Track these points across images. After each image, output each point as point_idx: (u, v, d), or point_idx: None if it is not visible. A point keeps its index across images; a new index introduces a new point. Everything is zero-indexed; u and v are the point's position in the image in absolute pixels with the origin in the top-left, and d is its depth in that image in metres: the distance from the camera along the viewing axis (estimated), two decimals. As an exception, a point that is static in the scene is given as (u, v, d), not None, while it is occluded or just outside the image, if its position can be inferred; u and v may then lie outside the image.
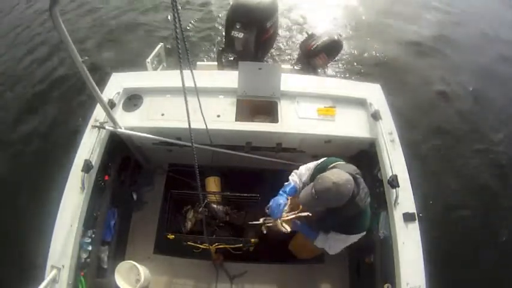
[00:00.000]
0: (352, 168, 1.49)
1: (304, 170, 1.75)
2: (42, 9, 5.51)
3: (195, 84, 1.50)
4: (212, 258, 2.26)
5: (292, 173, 1.81)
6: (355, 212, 1.47)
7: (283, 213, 1.64)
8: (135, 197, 2.60)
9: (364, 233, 1.59)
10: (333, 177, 1.35)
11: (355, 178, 1.42)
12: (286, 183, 1.78)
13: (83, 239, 1.88)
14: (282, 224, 1.63)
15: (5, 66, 4.73)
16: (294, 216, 1.65)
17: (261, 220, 1.70)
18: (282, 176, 2.59)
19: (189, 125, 1.30)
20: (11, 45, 5.09)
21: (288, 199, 1.70)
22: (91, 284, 1.91)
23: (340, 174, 1.38)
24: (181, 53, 1.11)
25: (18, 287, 2.21)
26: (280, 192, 1.73)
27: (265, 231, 1.72)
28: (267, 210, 1.68)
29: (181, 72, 1.16)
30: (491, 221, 3.28)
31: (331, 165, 1.52)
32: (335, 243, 1.65)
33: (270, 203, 1.67)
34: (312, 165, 1.72)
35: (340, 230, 1.58)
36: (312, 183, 1.44)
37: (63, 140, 3.39)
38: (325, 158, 1.66)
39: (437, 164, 3.68)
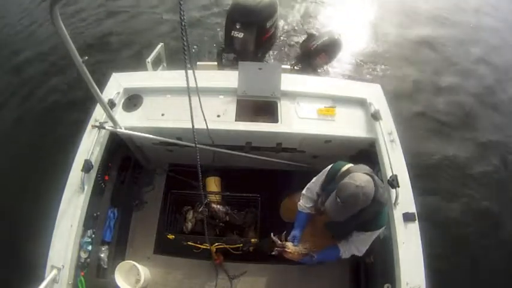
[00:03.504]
0: (365, 167, 1.50)
1: (310, 185, 1.78)
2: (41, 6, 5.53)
3: (196, 85, 1.51)
4: (212, 258, 2.26)
5: (302, 196, 1.82)
6: (378, 208, 1.48)
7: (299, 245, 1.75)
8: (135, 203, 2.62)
9: (385, 226, 1.62)
10: (355, 182, 1.35)
11: (371, 177, 1.43)
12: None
13: (83, 239, 1.89)
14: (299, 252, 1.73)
15: (5, 65, 4.73)
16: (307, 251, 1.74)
17: (279, 243, 1.76)
18: (282, 176, 2.64)
19: (193, 126, 1.31)
20: (9, 43, 5.10)
21: (301, 231, 1.80)
22: (91, 284, 1.91)
23: (360, 176, 1.38)
24: (186, 55, 1.11)
25: (18, 287, 2.20)
26: (295, 226, 1.81)
27: (274, 253, 1.78)
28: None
29: (186, 73, 1.17)
30: (493, 220, 3.28)
31: (344, 169, 1.52)
32: (361, 244, 1.66)
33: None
34: (320, 176, 1.73)
35: (364, 228, 1.59)
36: (333, 193, 1.42)
37: (63, 140, 3.38)
38: (332, 165, 1.65)
39: (437, 163, 3.67)
